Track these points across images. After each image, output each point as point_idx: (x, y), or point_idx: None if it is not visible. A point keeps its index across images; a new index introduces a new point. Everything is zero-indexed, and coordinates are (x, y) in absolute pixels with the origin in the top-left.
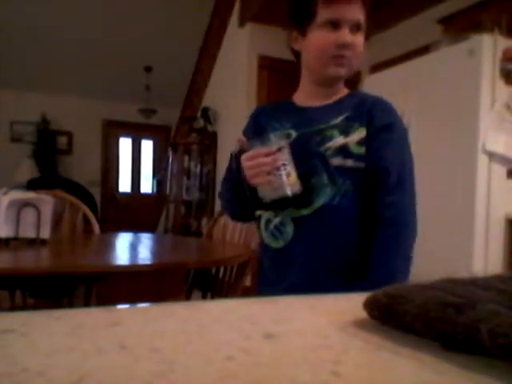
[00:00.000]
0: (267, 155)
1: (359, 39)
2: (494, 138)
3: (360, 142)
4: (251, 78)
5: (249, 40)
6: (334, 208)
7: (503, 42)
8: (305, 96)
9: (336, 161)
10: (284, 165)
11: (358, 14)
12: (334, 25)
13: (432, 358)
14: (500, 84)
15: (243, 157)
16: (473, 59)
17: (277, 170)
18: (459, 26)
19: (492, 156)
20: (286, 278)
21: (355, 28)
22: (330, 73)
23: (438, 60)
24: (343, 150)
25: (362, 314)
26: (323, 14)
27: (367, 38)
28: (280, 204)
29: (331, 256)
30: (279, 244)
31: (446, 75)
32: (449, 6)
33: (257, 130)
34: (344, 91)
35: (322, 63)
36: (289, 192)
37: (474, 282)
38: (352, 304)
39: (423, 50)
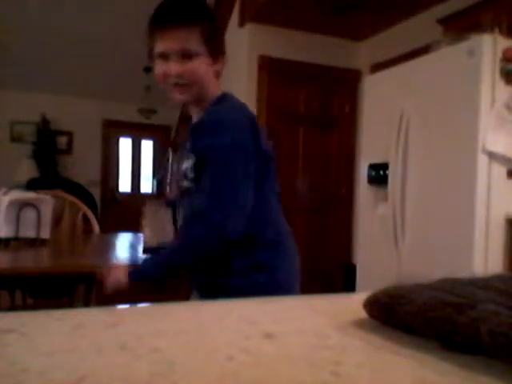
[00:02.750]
0: None
1: (192, 65)
2: (494, 138)
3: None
4: (251, 78)
5: (249, 40)
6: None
7: (503, 42)
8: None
9: (185, 181)
10: (146, 226)
11: (182, 43)
12: (164, 57)
13: (432, 357)
14: (500, 84)
15: None
16: (473, 59)
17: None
18: (459, 25)
19: (492, 156)
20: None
21: (184, 56)
22: (173, 98)
23: (438, 60)
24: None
25: (362, 314)
26: (156, 47)
27: (214, 57)
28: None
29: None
30: None
31: (446, 75)
32: (449, 6)
33: None
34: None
35: (166, 90)
36: (143, 245)
37: (473, 282)
38: (352, 304)
39: (423, 50)
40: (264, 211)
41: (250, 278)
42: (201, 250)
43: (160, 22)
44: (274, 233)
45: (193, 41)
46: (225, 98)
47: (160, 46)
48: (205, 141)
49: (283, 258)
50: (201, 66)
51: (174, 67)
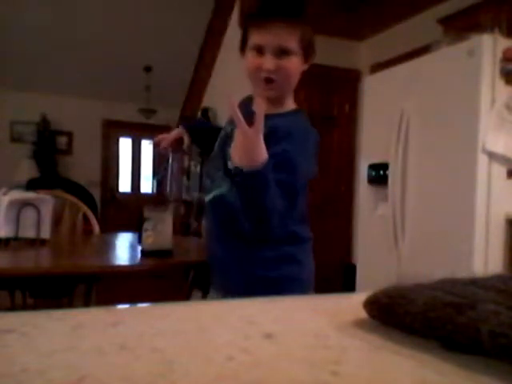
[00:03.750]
0: None
1: (286, 63)
2: (494, 138)
3: None
4: None
5: None
6: (221, 197)
7: (503, 42)
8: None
9: (229, 163)
10: (146, 230)
11: (281, 39)
12: (259, 50)
13: (432, 357)
14: (500, 84)
15: None
16: (473, 59)
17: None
18: (459, 25)
19: (492, 156)
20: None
21: (280, 53)
22: (259, 92)
23: (438, 60)
24: None
25: (362, 314)
26: (251, 39)
27: (306, 58)
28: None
29: (222, 235)
30: None
31: (446, 75)
32: (449, 6)
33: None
34: (284, 108)
35: (253, 83)
36: (141, 247)
37: (473, 282)
38: (352, 304)
39: (423, 50)
40: (304, 208)
41: (281, 269)
42: (265, 208)
43: (264, 15)
44: (308, 229)
45: (292, 40)
46: (302, 114)
47: (257, 39)
48: (286, 146)
49: (310, 254)
50: (294, 65)
51: (269, 62)
